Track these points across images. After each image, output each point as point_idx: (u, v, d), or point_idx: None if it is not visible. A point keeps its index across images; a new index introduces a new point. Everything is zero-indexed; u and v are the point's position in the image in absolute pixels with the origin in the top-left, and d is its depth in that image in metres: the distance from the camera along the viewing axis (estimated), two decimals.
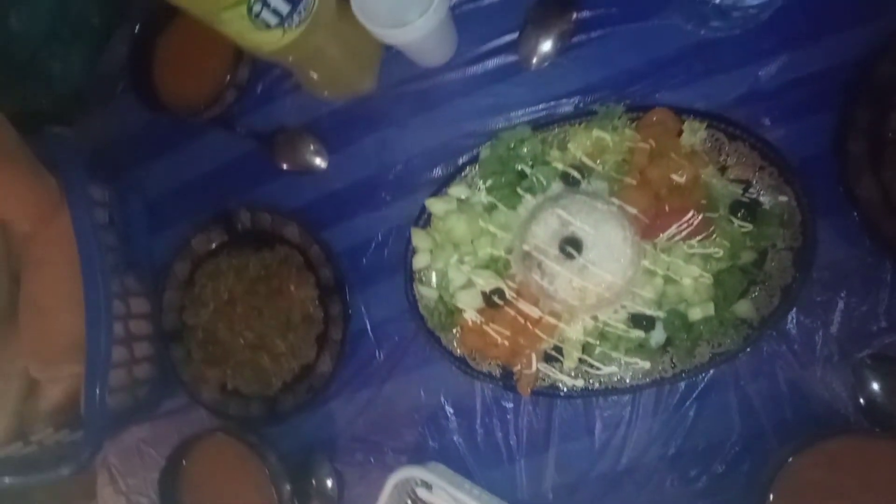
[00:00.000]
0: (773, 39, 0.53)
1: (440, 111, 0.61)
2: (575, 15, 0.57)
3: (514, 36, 0.59)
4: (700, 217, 0.48)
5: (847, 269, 0.50)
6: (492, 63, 0.60)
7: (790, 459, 0.46)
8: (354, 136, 0.64)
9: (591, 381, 0.53)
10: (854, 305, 0.50)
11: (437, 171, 0.61)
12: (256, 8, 0.41)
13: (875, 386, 0.49)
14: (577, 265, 0.48)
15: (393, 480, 0.50)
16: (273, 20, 0.44)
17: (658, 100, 0.54)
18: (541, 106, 0.58)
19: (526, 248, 0.50)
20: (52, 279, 0.57)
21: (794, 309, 0.50)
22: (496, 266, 0.54)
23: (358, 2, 0.50)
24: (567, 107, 0.57)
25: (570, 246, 0.47)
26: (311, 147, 0.65)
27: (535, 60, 0.58)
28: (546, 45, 0.57)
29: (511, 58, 0.59)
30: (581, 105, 0.56)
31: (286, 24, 0.45)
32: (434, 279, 0.57)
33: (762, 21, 0.52)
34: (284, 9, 0.44)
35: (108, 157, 0.72)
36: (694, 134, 0.51)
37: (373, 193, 0.63)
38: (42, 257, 0.58)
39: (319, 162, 0.65)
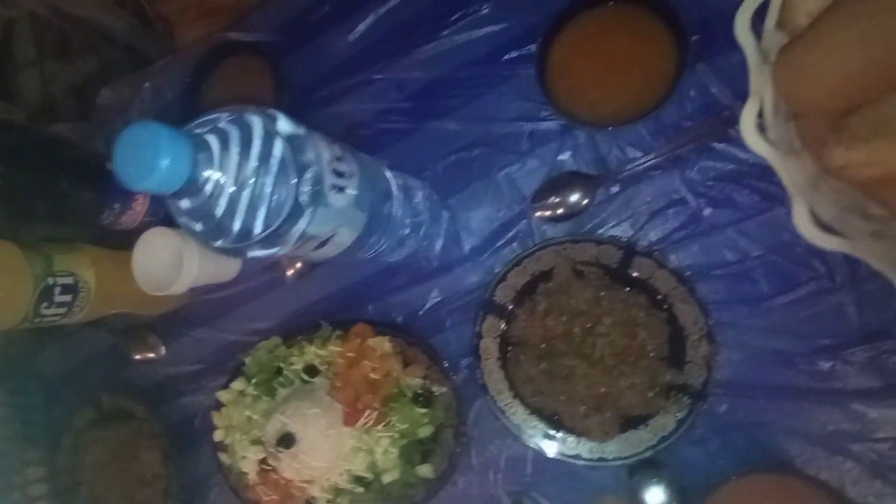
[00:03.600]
0: (435, 272, 0.71)
1: (236, 313, 0.81)
2: None
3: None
4: (376, 413, 0.67)
5: (496, 440, 0.68)
6: (264, 278, 0.80)
7: None
8: (181, 332, 0.85)
9: None
10: (509, 464, 0.67)
11: (234, 361, 0.80)
12: (37, 320, 0.62)
13: None
14: (292, 454, 0.66)
15: None
16: (55, 319, 0.65)
17: (367, 313, 0.73)
18: (291, 313, 0.77)
19: (264, 440, 0.69)
20: None
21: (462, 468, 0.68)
22: (262, 442, 0.74)
23: (140, 274, 0.71)
24: (308, 317, 0.76)
25: (284, 441, 0.66)
26: (152, 340, 0.86)
27: (290, 274, 0.78)
28: (293, 268, 0.77)
29: (277, 273, 0.79)
30: (313, 316, 0.76)
31: (69, 317, 0.66)
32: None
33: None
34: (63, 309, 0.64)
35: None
36: (382, 343, 0.69)
37: (194, 377, 0.83)
38: None
39: (159, 351, 0.86)
